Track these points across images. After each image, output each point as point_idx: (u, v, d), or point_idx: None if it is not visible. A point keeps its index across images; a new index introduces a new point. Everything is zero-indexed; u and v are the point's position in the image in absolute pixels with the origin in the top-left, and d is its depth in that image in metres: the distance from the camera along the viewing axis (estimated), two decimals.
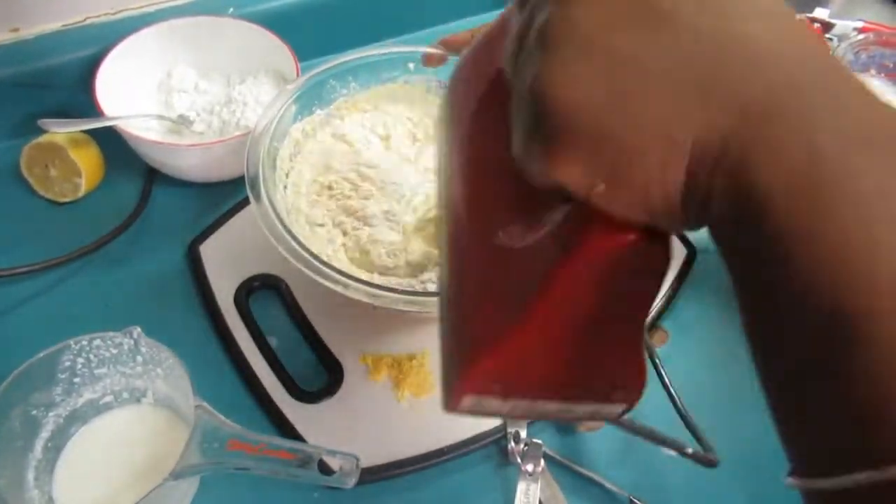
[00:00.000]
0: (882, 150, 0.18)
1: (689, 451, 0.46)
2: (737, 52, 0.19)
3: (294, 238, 0.47)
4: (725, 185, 0.19)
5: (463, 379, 0.26)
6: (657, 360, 0.52)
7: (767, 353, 0.20)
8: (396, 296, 0.46)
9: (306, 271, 0.46)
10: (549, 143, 0.21)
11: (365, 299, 0.46)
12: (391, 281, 0.52)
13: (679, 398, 0.51)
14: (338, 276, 0.46)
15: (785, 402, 0.20)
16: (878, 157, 0.18)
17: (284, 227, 0.48)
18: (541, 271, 0.25)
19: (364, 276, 0.52)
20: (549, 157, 0.22)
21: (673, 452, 0.49)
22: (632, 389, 0.27)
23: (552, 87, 0.21)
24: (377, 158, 0.59)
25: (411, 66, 0.61)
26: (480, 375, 0.26)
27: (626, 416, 0.36)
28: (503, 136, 0.24)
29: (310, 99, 0.58)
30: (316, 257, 0.47)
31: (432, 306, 0.46)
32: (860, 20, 0.79)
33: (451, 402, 0.28)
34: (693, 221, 0.21)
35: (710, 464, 0.46)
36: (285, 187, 0.56)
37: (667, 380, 0.52)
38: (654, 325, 0.59)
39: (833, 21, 0.79)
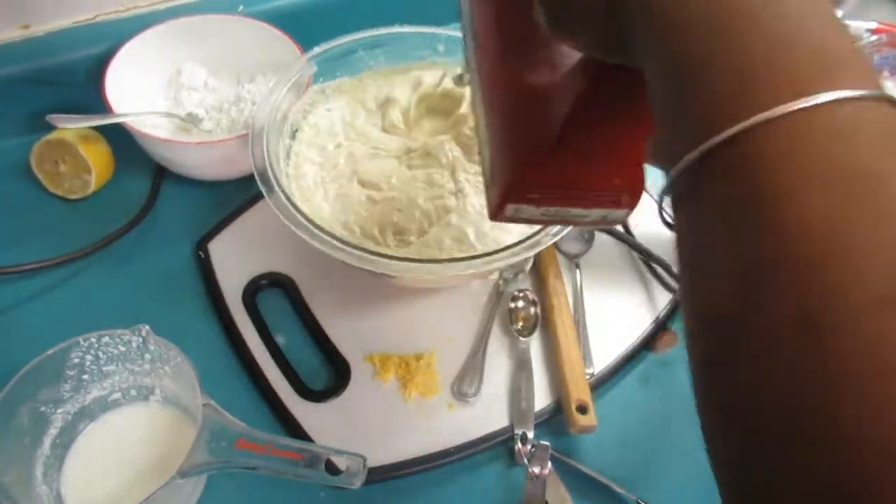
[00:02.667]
0: None
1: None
2: None
3: (311, 222, 0.48)
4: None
5: (506, 191, 0.32)
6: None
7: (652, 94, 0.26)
8: (420, 265, 0.46)
9: (332, 253, 0.47)
10: None
11: (394, 273, 0.47)
12: (411, 252, 0.53)
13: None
14: (367, 256, 0.47)
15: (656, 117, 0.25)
16: None
17: (300, 212, 0.48)
18: (562, 98, 0.31)
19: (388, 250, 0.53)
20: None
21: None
22: (633, 193, 0.32)
23: None
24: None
25: (441, 48, 0.63)
26: (523, 185, 0.32)
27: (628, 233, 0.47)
28: None
29: (333, 66, 0.60)
30: (339, 238, 0.47)
31: (458, 269, 0.47)
32: (874, 21, 0.78)
33: (496, 211, 0.33)
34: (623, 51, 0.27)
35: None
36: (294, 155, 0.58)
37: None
38: (664, 327, 0.58)
39: (846, 22, 0.78)
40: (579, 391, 0.52)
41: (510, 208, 0.33)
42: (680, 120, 0.24)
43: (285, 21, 0.66)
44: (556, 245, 0.59)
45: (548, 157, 0.31)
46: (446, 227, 0.53)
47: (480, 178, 0.48)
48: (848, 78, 0.21)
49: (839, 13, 0.80)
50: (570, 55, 0.32)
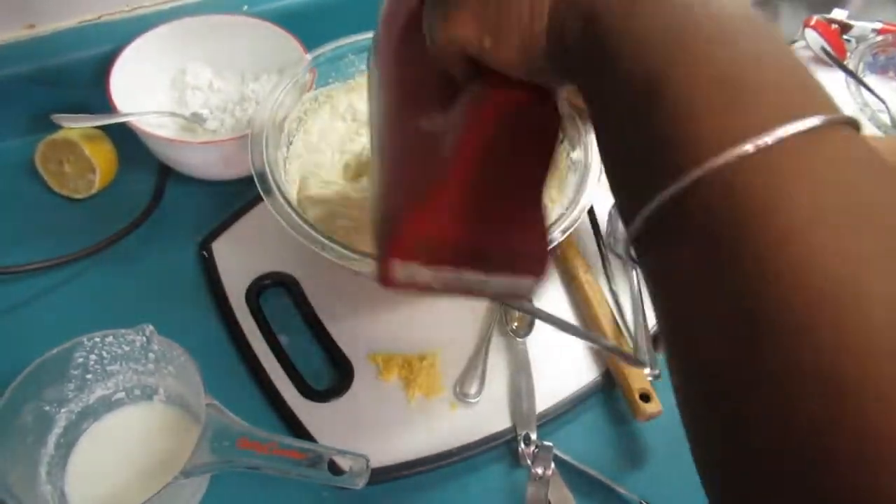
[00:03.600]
0: None
1: (610, 344, 0.52)
2: None
3: (311, 225, 0.48)
4: (575, 15, 0.24)
5: (391, 245, 0.28)
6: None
7: (604, 131, 0.25)
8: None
9: (329, 257, 0.46)
10: (446, 7, 0.28)
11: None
12: None
13: (618, 301, 0.57)
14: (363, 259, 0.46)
15: (610, 157, 0.24)
16: None
17: (299, 215, 0.48)
18: (452, 139, 0.29)
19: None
20: (447, 18, 0.28)
21: (595, 345, 0.54)
22: (536, 257, 0.29)
23: None
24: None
25: None
26: (406, 238, 0.28)
27: (543, 309, 0.44)
28: (422, 50, 0.29)
29: (327, 71, 0.60)
30: (337, 242, 0.47)
31: None
32: (879, 21, 0.78)
33: (384, 272, 0.29)
34: (558, 67, 0.26)
35: (637, 363, 0.50)
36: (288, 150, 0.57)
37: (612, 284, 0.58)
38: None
39: (851, 22, 0.78)
40: (639, 381, 0.52)
41: (399, 268, 0.29)
42: (644, 148, 0.21)
43: (290, 21, 0.66)
44: (609, 248, 0.61)
45: (436, 200, 0.28)
46: None
47: None
48: (823, 101, 0.20)
49: (844, 13, 0.80)
50: (465, 92, 0.29)
